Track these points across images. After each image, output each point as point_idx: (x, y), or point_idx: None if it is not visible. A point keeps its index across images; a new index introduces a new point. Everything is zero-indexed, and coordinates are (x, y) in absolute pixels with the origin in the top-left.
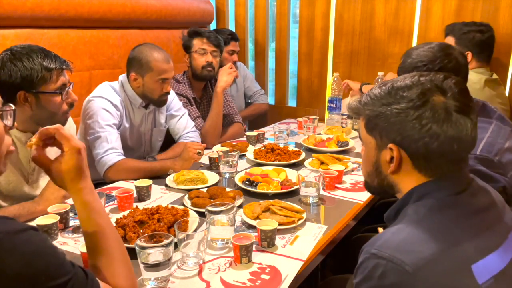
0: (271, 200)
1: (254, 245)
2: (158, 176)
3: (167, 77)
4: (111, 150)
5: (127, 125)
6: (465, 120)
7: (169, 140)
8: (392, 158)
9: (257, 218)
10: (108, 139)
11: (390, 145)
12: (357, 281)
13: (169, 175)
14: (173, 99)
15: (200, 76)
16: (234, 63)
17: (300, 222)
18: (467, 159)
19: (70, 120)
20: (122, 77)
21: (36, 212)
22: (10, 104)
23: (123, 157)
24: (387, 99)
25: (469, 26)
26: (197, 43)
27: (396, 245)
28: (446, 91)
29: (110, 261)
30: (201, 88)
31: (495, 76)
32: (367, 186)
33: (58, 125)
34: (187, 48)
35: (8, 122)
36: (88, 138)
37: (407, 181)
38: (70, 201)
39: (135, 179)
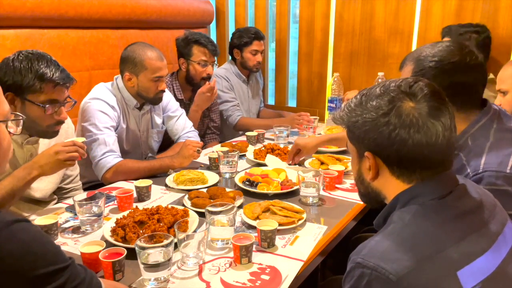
0: (271, 201)
1: (254, 246)
2: (158, 176)
3: (162, 75)
4: (108, 153)
5: (124, 126)
6: (435, 124)
7: (166, 142)
8: (370, 165)
9: (257, 218)
10: (106, 141)
11: (366, 153)
12: None
13: (169, 175)
14: (169, 101)
15: (197, 85)
16: (257, 70)
17: (300, 222)
18: (447, 163)
19: (68, 121)
20: (117, 77)
21: (32, 179)
22: (19, 114)
23: (121, 159)
24: (359, 109)
25: (466, 27)
26: (198, 54)
27: (380, 254)
28: (415, 95)
29: None
30: (190, 89)
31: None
32: (359, 195)
33: None
34: (185, 54)
35: (12, 130)
36: (84, 134)
37: (389, 188)
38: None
39: (135, 180)
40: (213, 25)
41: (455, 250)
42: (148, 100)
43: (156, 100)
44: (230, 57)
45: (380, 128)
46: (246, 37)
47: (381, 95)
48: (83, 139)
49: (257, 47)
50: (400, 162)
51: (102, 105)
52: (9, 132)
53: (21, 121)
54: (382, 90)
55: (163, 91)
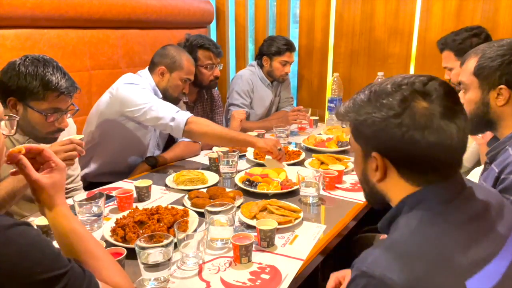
0: (268, 200)
1: (253, 245)
2: (158, 172)
3: (191, 78)
4: (178, 110)
5: None
6: (449, 126)
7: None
8: (377, 166)
9: (254, 217)
10: (166, 103)
11: (374, 154)
12: None
13: (169, 175)
14: None
15: (205, 87)
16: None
17: (297, 221)
18: (457, 165)
19: (70, 120)
20: (144, 72)
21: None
22: (13, 115)
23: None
24: (368, 106)
25: (461, 34)
26: (203, 58)
27: (386, 263)
28: (429, 95)
29: (99, 261)
30: (196, 91)
31: None
32: (364, 195)
33: (42, 145)
34: None
35: (6, 132)
36: (134, 116)
37: (395, 190)
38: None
39: (212, 139)
40: (213, 25)
41: (464, 258)
42: (170, 98)
43: (176, 101)
44: (250, 61)
45: (392, 129)
46: (278, 46)
47: (393, 93)
48: (81, 136)
49: (288, 58)
50: (411, 164)
51: (139, 87)
52: (3, 134)
53: (16, 122)
54: (393, 88)
55: (185, 93)
